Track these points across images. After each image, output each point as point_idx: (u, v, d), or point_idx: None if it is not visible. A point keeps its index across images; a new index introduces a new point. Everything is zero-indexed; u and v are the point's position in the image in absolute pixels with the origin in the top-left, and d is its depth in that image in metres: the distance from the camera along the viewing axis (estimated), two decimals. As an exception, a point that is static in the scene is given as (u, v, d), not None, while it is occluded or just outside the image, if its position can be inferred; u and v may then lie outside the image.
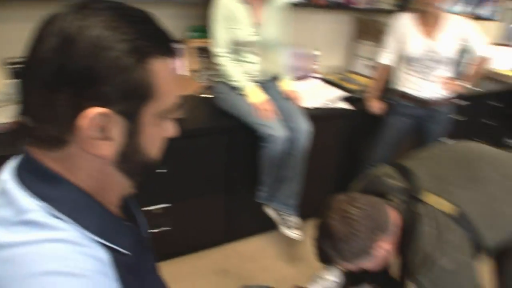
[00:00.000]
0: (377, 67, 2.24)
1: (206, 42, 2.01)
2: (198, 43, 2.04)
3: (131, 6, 0.47)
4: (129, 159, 0.50)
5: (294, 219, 1.92)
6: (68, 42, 0.42)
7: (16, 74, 0.61)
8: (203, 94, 2.02)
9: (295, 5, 2.06)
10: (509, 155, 1.24)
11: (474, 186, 1.09)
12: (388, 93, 2.26)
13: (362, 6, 2.47)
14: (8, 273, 0.41)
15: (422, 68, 2.09)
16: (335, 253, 1.00)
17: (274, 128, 1.70)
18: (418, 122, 2.22)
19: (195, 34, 2.06)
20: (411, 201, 1.07)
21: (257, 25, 1.73)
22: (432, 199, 1.05)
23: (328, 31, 2.68)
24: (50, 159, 0.47)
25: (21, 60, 0.49)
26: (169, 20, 2.02)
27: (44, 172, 0.47)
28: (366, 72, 2.62)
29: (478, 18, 3.18)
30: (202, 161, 1.81)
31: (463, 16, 2.26)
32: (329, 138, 2.17)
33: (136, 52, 0.44)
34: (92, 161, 0.48)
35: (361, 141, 2.34)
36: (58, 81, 0.43)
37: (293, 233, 1.90)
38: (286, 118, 1.79)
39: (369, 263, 1.04)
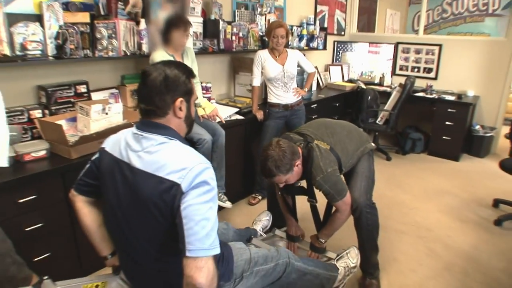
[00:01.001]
0: (252, 89, 3.30)
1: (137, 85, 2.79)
2: (131, 86, 2.78)
3: (175, 61, 1.30)
4: (187, 119, 1.26)
5: (224, 195, 2.78)
6: (166, 75, 1.17)
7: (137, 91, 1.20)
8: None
9: (196, 52, 2.99)
10: (344, 122, 2.29)
11: (333, 136, 2.05)
12: (265, 104, 3.34)
13: (237, 49, 3.52)
14: (165, 152, 1.12)
15: (281, 84, 3.21)
16: (276, 167, 1.74)
17: (203, 134, 2.56)
18: (287, 120, 3.29)
19: (129, 80, 2.80)
20: (306, 144, 1.95)
21: None
22: (316, 142, 1.96)
23: (216, 68, 3.67)
24: (157, 121, 1.18)
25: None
26: (108, 72, 2.72)
27: (157, 125, 1.18)
28: (246, 94, 3.68)
29: (312, 49, 4.61)
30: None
31: (302, 48, 3.53)
32: (234, 138, 3.10)
33: (189, 77, 1.22)
34: (177, 120, 1.22)
35: (253, 139, 3.34)
36: (166, 91, 1.17)
37: (226, 203, 2.75)
38: (209, 128, 2.67)
39: (291, 177, 1.84)
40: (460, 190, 3.71)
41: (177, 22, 2.59)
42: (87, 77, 2.53)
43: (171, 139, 1.17)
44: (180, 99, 1.19)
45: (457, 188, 3.75)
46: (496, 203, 3.34)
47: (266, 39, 3.32)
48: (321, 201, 2.09)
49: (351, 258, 1.95)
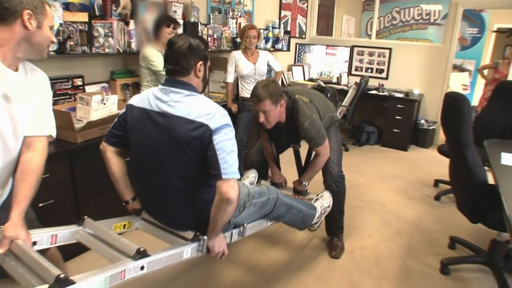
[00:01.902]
0: (226, 85, 3.65)
1: (127, 80, 3.07)
2: (121, 81, 3.05)
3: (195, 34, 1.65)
4: (204, 79, 1.57)
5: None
6: (190, 43, 1.45)
7: (165, 55, 1.46)
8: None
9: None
10: (318, 92, 2.61)
11: (309, 96, 2.36)
12: (237, 99, 3.70)
13: (212, 49, 3.86)
14: (192, 101, 1.43)
15: (252, 81, 3.58)
16: (266, 92, 2.04)
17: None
18: None
19: (118, 75, 3.06)
20: (289, 97, 2.27)
21: None
22: (297, 96, 2.28)
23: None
24: (182, 79, 1.46)
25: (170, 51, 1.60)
26: (100, 67, 2.98)
27: (182, 82, 1.45)
28: (219, 90, 4.03)
29: (277, 50, 5.04)
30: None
31: (268, 49, 3.94)
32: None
33: (206, 46, 1.54)
34: (196, 79, 1.50)
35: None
36: (191, 56, 1.45)
37: None
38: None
39: (274, 112, 2.12)
40: (407, 174, 4.29)
41: (167, 20, 2.91)
42: (82, 71, 2.78)
43: (194, 94, 1.47)
44: (200, 62, 1.48)
45: (405, 173, 4.33)
46: (436, 183, 3.95)
47: (239, 40, 3.70)
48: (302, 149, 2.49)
49: (325, 199, 2.34)
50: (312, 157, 2.47)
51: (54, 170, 2.22)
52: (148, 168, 1.53)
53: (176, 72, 1.48)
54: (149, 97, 1.52)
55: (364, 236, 2.86)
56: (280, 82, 5.18)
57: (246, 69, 3.53)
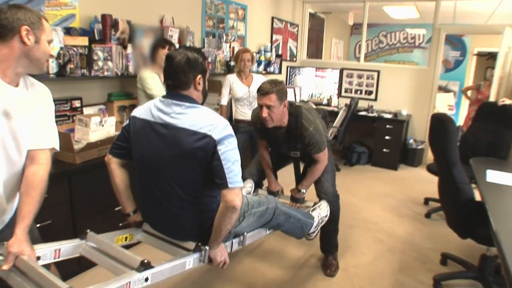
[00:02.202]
0: (220, 107, 3.74)
1: (124, 102, 3.14)
2: (118, 103, 3.12)
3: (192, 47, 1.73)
4: (203, 92, 1.61)
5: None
6: (188, 57, 1.49)
7: (164, 71, 1.51)
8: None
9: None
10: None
11: (309, 109, 2.41)
12: (230, 120, 3.77)
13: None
14: (194, 113, 1.46)
15: (246, 103, 3.67)
16: (273, 87, 2.12)
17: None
18: (251, 134, 3.69)
19: (116, 97, 3.13)
20: (291, 104, 2.32)
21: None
22: (299, 104, 2.35)
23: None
24: (182, 92, 1.49)
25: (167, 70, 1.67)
26: (97, 89, 3.05)
27: (183, 95, 1.49)
28: (216, 111, 4.11)
29: (269, 73, 5.18)
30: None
31: (260, 72, 4.06)
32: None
33: (203, 59, 1.59)
34: (196, 92, 1.53)
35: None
36: (189, 70, 1.49)
37: None
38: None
39: (277, 110, 2.17)
40: (398, 192, 4.38)
41: (162, 42, 3.01)
42: (80, 93, 2.84)
43: (195, 106, 1.51)
44: (199, 75, 1.52)
45: (396, 191, 4.42)
46: (426, 201, 4.04)
47: (234, 63, 3.81)
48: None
49: (323, 209, 2.38)
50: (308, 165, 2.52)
51: (53, 190, 2.23)
52: (152, 179, 1.56)
53: (176, 87, 1.52)
54: (151, 109, 1.56)
55: (357, 254, 2.91)
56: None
57: (241, 92, 3.63)
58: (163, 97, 1.56)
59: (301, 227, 2.16)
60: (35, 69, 1.36)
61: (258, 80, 3.75)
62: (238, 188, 1.45)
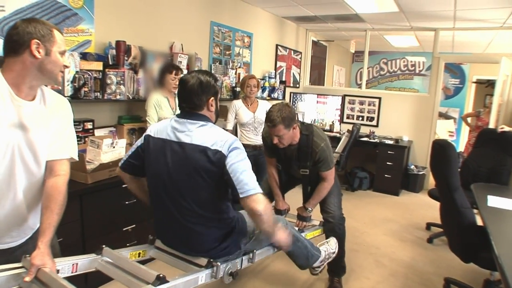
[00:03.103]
0: (228, 131, 3.83)
1: (134, 125, 3.24)
2: (128, 126, 3.21)
3: (203, 70, 1.81)
4: (216, 111, 1.69)
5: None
6: (201, 81, 1.58)
7: (178, 94, 1.60)
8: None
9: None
10: None
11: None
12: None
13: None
14: (206, 131, 1.55)
15: (251, 128, 3.76)
16: (280, 117, 2.15)
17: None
18: (255, 159, 3.70)
19: (125, 120, 3.23)
20: (302, 123, 2.41)
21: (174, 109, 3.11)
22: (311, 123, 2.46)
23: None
24: (196, 112, 1.59)
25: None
26: (108, 112, 3.15)
27: (197, 114, 1.59)
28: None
29: (273, 99, 5.30)
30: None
31: (265, 98, 4.18)
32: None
33: (215, 81, 1.68)
34: (209, 113, 1.62)
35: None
36: (202, 93, 1.59)
37: None
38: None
39: (287, 135, 2.23)
40: (400, 218, 4.41)
41: (169, 67, 3.14)
42: (92, 115, 2.94)
43: (208, 123, 1.59)
44: (212, 98, 1.61)
45: (398, 216, 4.45)
46: (428, 226, 4.07)
47: (240, 89, 3.92)
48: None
49: (331, 246, 2.40)
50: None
51: (65, 209, 2.30)
52: (167, 196, 1.61)
53: (190, 109, 1.60)
54: (167, 128, 1.64)
55: (361, 278, 2.93)
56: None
57: (246, 118, 3.72)
58: (178, 116, 1.64)
59: (307, 255, 2.17)
60: (49, 81, 1.39)
61: (263, 106, 3.83)
62: (253, 195, 1.48)
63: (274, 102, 5.29)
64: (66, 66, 1.40)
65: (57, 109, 1.45)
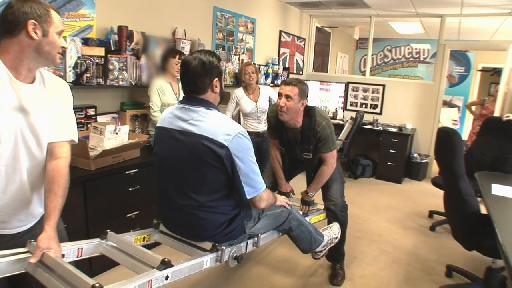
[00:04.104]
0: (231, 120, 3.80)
1: (136, 111, 3.22)
2: (130, 112, 3.19)
3: (205, 49, 1.72)
4: (220, 93, 1.67)
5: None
6: (203, 62, 1.53)
7: (181, 76, 1.58)
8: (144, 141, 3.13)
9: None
10: None
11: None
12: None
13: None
14: (211, 120, 1.52)
15: (254, 117, 3.72)
16: (297, 81, 2.28)
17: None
18: (258, 145, 3.74)
19: (128, 107, 3.21)
20: (309, 106, 2.41)
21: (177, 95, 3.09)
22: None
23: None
24: (199, 97, 1.55)
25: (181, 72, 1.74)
26: (111, 98, 3.13)
27: (200, 99, 1.55)
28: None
29: (276, 85, 5.25)
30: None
31: (268, 85, 4.13)
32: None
33: (218, 61, 1.64)
34: (213, 95, 1.58)
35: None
36: (205, 74, 1.53)
37: None
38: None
39: (297, 104, 2.27)
40: (402, 205, 4.42)
41: (172, 52, 3.11)
42: (95, 102, 2.93)
43: (211, 110, 1.55)
44: (216, 79, 1.57)
45: (400, 204, 4.45)
46: (431, 214, 4.07)
47: (239, 78, 3.84)
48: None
49: (334, 231, 2.41)
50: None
51: (68, 195, 2.25)
52: (170, 184, 1.62)
53: (193, 92, 1.57)
54: (168, 116, 1.63)
55: (363, 265, 2.94)
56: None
57: (248, 108, 3.68)
58: (180, 102, 1.62)
59: (310, 240, 2.18)
60: (47, 62, 1.35)
61: (266, 92, 3.81)
62: (257, 196, 1.61)
63: (277, 88, 5.25)
64: (64, 48, 1.37)
65: (57, 91, 1.44)
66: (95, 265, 2.46)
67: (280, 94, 2.33)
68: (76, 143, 1.53)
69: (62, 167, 1.40)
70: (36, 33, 1.24)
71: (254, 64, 3.79)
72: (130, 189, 2.66)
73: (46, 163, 1.41)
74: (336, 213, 2.56)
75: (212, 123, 1.53)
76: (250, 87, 3.70)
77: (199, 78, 1.54)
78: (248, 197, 1.55)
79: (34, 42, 1.26)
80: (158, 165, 1.69)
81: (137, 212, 2.77)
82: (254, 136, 3.73)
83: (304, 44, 6.39)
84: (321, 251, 2.33)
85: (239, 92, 3.71)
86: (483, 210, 2.28)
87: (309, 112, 2.40)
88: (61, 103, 1.44)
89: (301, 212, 2.44)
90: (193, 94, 1.57)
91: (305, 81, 2.40)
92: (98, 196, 2.49)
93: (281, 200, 1.96)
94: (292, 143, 2.54)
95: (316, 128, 2.38)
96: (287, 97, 2.28)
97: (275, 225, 1.97)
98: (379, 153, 5.45)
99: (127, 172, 2.64)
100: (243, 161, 1.52)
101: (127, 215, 2.72)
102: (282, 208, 1.97)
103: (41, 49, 1.28)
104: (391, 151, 5.29)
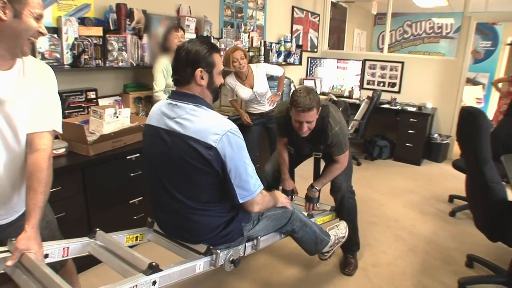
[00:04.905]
0: (231, 102, 3.59)
1: (140, 93, 3.09)
2: (133, 94, 3.07)
3: (202, 37, 1.66)
4: (209, 86, 1.51)
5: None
6: (188, 51, 1.41)
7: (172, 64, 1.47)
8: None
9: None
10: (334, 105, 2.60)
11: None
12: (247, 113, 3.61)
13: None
14: (198, 118, 1.37)
15: (255, 102, 3.48)
16: (315, 101, 1.98)
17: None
18: (264, 124, 3.60)
19: (131, 88, 3.09)
20: (322, 104, 2.20)
21: None
22: (326, 103, 2.25)
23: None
24: (184, 90, 1.43)
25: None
26: (112, 80, 3.01)
27: (185, 94, 1.42)
28: (228, 104, 3.98)
29: (289, 64, 5.05)
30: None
31: (280, 63, 3.90)
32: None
33: (209, 52, 1.47)
34: (199, 87, 1.44)
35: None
36: (187, 64, 1.40)
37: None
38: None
39: (315, 116, 2.04)
40: (421, 189, 4.21)
41: (173, 27, 2.94)
42: (95, 84, 2.81)
43: (199, 107, 1.42)
44: (200, 69, 1.41)
45: (419, 187, 4.24)
46: (451, 198, 3.85)
47: (227, 68, 3.29)
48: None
49: (341, 230, 2.29)
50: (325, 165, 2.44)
51: (66, 183, 2.23)
52: (160, 185, 1.51)
53: (178, 82, 1.46)
54: (156, 114, 1.51)
55: (377, 253, 2.79)
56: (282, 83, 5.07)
57: (245, 96, 3.43)
58: (168, 97, 1.51)
59: (316, 241, 2.06)
60: (14, 50, 1.21)
61: (260, 72, 3.48)
62: (250, 199, 1.46)
63: (290, 67, 5.05)
64: (41, 33, 1.23)
65: (38, 77, 1.32)
66: (80, 261, 2.39)
67: (299, 122, 2.09)
68: (60, 133, 1.42)
69: (41, 161, 1.29)
70: (5, 13, 1.12)
71: (243, 48, 3.51)
72: (132, 174, 2.56)
73: (26, 157, 1.31)
74: (343, 197, 2.41)
75: (199, 123, 1.39)
76: (242, 73, 3.37)
77: (182, 66, 1.43)
78: (241, 201, 1.42)
79: (3, 24, 1.13)
80: (147, 165, 1.58)
81: (141, 197, 2.68)
82: (258, 116, 3.56)
83: (319, 21, 6.09)
84: (328, 252, 2.22)
85: (231, 81, 3.41)
86: (510, 197, 2.08)
87: (323, 112, 2.18)
88: (42, 90, 1.32)
89: (305, 213, 2.29)
90: (178, 84, 1.47)
91: (312, 88, 2.14)
92: (98, 183, 2.40)
93: (283, 201, 1.80)
94: (302, 142, 2.37)
95: (328, 132, 2.20)
96: (308, 122, 2.07)
97: (277, 226, 1.83)
98: (397, 133, 5.21)
99: (128, 157, 2.53)
100: (234, 161, 1.38)
101: (130, 201, 2.64)
102: (284, 208, 1.83)
103: (10, 33, 1.15)
104: (409, 131, 5.04)
